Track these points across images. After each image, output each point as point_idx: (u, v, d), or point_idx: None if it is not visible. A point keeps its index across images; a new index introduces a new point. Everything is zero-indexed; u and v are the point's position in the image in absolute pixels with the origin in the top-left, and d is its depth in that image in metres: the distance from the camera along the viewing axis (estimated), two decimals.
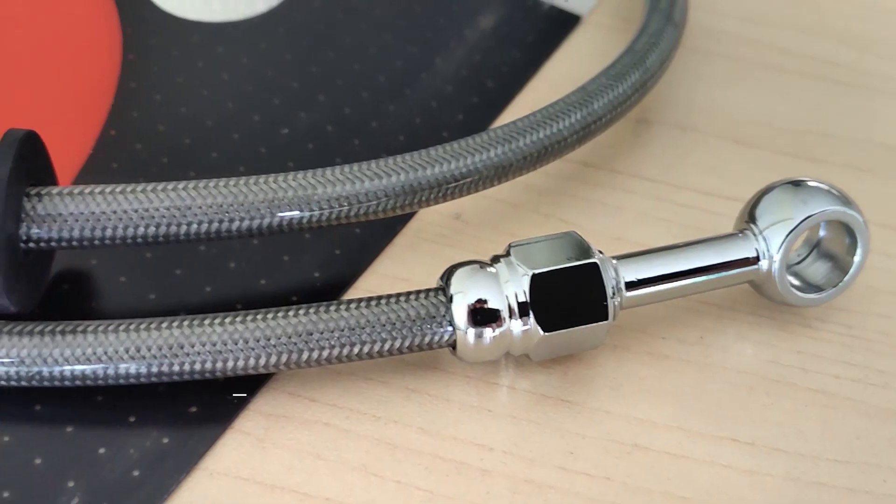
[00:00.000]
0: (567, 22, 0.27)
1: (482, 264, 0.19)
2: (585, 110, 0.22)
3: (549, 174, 0.23)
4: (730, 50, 0.27)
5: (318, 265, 0.21)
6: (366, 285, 0.21)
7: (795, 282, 0.21)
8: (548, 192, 0.23)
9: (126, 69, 0.25)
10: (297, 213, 0.19)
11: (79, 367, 0.18)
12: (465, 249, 0.22)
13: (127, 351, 0.18)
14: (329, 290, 0.21)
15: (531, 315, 0.18)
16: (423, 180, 0.20)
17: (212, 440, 0.18)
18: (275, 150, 0.23)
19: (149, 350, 0.18)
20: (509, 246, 0.19)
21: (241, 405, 0.19)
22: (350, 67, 0.25)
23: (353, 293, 0.21)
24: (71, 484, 0.18)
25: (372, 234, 0.22)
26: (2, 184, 0.17)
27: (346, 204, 0.19)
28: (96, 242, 0.18)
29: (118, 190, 0.18)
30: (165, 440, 0.18)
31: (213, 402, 0.19)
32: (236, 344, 0.18)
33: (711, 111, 0.26)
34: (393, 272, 0.21)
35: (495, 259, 0.19)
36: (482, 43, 0.26)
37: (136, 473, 0.18)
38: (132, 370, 0.18)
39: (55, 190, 0.18)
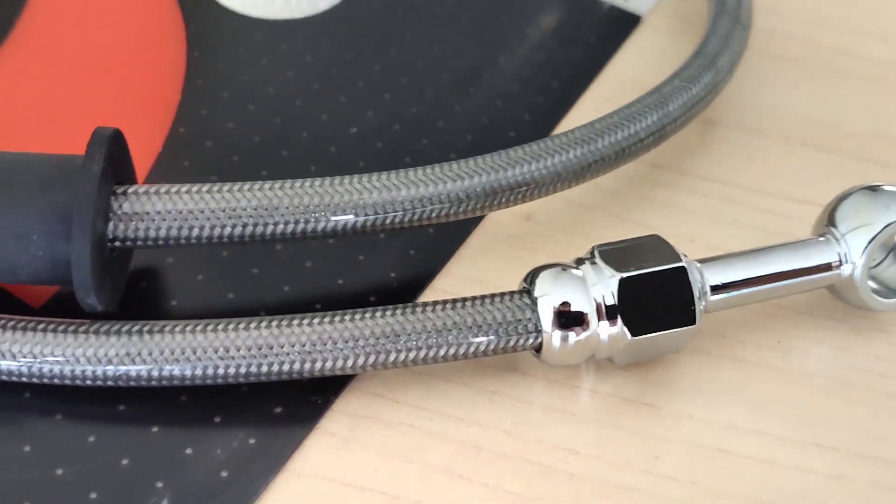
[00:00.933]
0: (627, 22, 0.27)
1: (565, 266, 0.19)
2: (661, 112, 0.22)
3: (617, 175, 0.23)
4: (792, 52, 0.27)
5: (394, 266, 0.21)
6: (441, 286, 0.21)
7: (873, 285, 0.21)
8: (617, 193, 0.23)
9: (191, 66, 0.25)
10: (380, 214, 0.19)
11: (167, 368, 0.18)
12: (538, 251, 0.22)
13: (216, 351, 0.18)
14: (406, 291, 0.21)
15: (619, 319, 0.18)
16: (503, 182, 0.20)
17: (298, 441, 0.18)
18: (345, 149, 0.23)
19: (238, 350, 0.18)
20: (594, 248, 0.19)
21: (324, 406, 0.19)
22: (413, 66, 0.25)
23: (429, 294, 0.21)
24: (160, 485, 0.17)
25: (445, 235, 0.22)
26: (93, 182, 0.17)
27: (428, 205, 0.19)
28: (182, 242, 0.18)
29: (204, 189, 0.18)
30: (252, 441, 0.18)
31: (296, 402, 0.19)
32: (325, 345, 0.18)
33: (776, 113, 0.25)
34: (467, 273, 0.21)
35: (579, 261, 0.19)
36: (544, 42, 0.26)
37: (224, 474, 0.18)
38: (220, 371, 0.18)
39: (141, 189, 0.18)
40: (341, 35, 0.26)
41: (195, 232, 0.18)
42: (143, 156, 0.22)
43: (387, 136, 0.24)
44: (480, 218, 0.22)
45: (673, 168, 0.24)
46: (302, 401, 0.19)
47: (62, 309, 0.20)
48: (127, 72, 0.24)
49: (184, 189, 0.18)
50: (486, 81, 0.25)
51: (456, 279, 0.21)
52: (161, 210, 0.18)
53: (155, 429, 0.18)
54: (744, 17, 0.25)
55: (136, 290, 0.20)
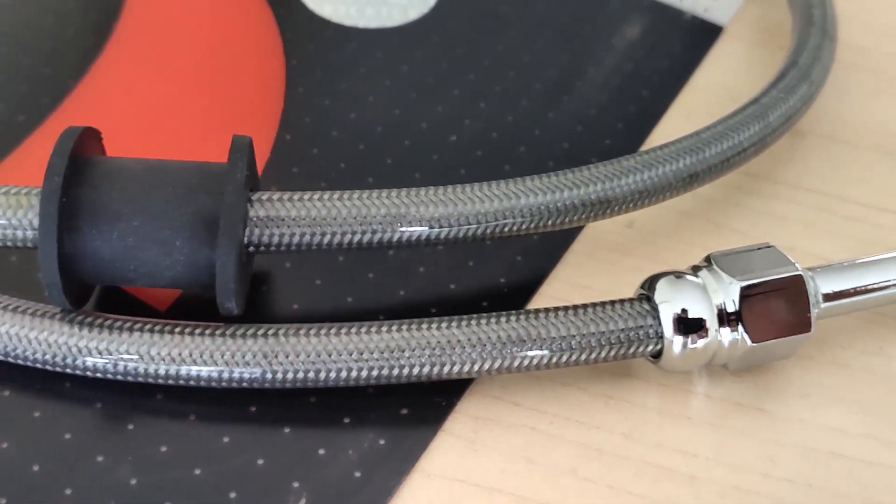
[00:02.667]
0: (709, 32, 0.28)
1: (680, 273, 0.20)
2: (762, 122, 0.22)
3: (713, 183, 0.24)
4: (872, 64, 0.27)
5: (503, 271, 0.22)
6: (550, 291, 0.21)
7: None
8: (713, 200, 0.24)
9: (291, 74, 0.25)
10: (500, 222, 0.19)
11: (303, 370, 0.18)
12: (642, 258, 0.22)
13: (350, 354, 0.18)
14: (516, 296, 0.21)
15: (740, 325, 0.19)
16: (616, 190, 0.20)
17: (425, 442, 0.19)
18: (446, 157, 0.24)
19: (371, 353, 0.18)
20: (709, 256, 0.20)
21: (448, 408, 0.19)
22: (506, 75, 0.26)
23: (538, 300, 0.21)
24: (296, 485, 0.18)
25: (549, 241, 0.22)
26: (238, 190, 0.17)
27: (545, 213, 0.20)
28: (313, 248, 0.19)
29: (335, 196, 0.19)
30: (381, 441, 0.19)
31: (421, 404, 0.19)
32: (454, 349, 0.18)
33: (861, 123, 0.26)
34: (574, 279, 0.22)
35: (696, 269, 0.20)
36: (631, 52, 0.27)
37: (357, 474, 0.18)
38: (353, 374, 0.18)
39: (275, 195, 0.19)
40: (433, 44, 0.26)
41: (327, 238, 0.19)
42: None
43: (485, 143, 0.24)
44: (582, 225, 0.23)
45: (766, 177, 0.24)
46: (426, 403, 0.19)
47: (185, 312, 0.20)
48: (228, 78, 0.25)
49: (316, 196, 0.19)
50: (578, 90, 0.26)
51: (564, 285, 0.22)
52: (295, 216, 0.19)
53: (287, 430, 0.19)
54: (831, 30, 0.25)
55: (257, 293, 0.20)
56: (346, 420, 0.19)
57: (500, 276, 0.21)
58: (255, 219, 0.18)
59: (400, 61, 0.26)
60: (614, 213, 0.21)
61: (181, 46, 0.25)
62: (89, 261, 0.18)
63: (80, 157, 0.18)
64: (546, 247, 0.22)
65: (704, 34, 0.28)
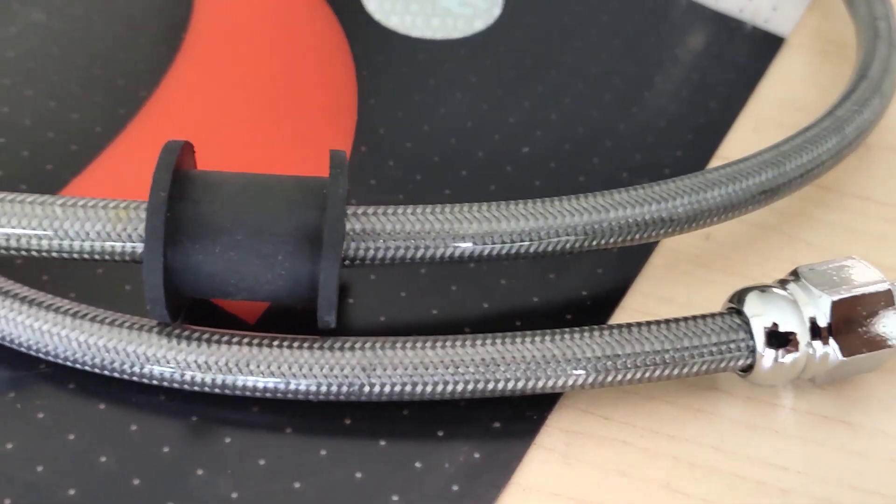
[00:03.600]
0: (772, 43, 0.28)
1: (765, 287, 0.20)
2: (839, 135, 0.22)
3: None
4: None
5: (584, 284, 0.22)
6: (632, 304, 0.21)
7: None
8: (786, 212, 0.24)
9: (362, 86, 0.25)
10: (590, 235, 0.20)
11: (400, 382, 0.18)
12: (720, 270, 0.22)
13: (447, 367, 0.18)
14: (599, 309, 0.21)
15: (831, 339, 0.19)
16: (702, 203, 0.20)
17: (519, 455, 0.19)
18: (520, 169, 0.24)
19: (467, 367, 0.18)
20: (796, 270, 0.20)
21: (539, 422, 0.19)
22: (574, 85, 0.26)
23: (621, 312, 0.21)
24: (395, 498, 0.18)
25: (629, 253, 0.22)
26: (341, 205, 0.18)
27: (633, 227, 0.20)
28: (406, 261, 0.19)
29: (428, 210, 0.19)
30: (476, 455, 0.19)
31: (513, 417, 0.19)
32: (549, 364, 0.18)
33: None
34: (655, 292, 0.22)
35: (783, 282, 0.20)
36: (696, 63, 0.27)
37: (455, 488, 0.18)
38: (450, 387, 0.18)
39: (370, 209, 0.19)
40: (500, 55, 0.26)
41: (420, 253, 0.19)
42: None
43: (558, 155, 0.24)
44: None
45: (836, 189, 0.24)
46: (518, 416, 0.19)
47: (273, 324, 0.20)
48: (299, 89, 0.25)
49: (409, 210, 0.19)
50: (647, 101, 0.26)
51: (645, 298, 0.22)
52: (390, 230, 0.19)
53: (382, 442, 0.19)
54: None
55: (344, 306, 0.21)
56: (440, 433, 0.19)
57: (581, 289, 0.22)
58: (351, 232, 0.18)
59: (469, 72, 0.26)
60: (699, 226, 0.21)
61: (250, 58, 0.26)
62: (190, 275, 0.18)
63: (180, 171, 0.18)
64: (625, 259, 0.22)
65: (767, 45, 0.28)
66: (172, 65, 0.25)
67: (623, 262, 0.22)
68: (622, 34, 0.27)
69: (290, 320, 0.20)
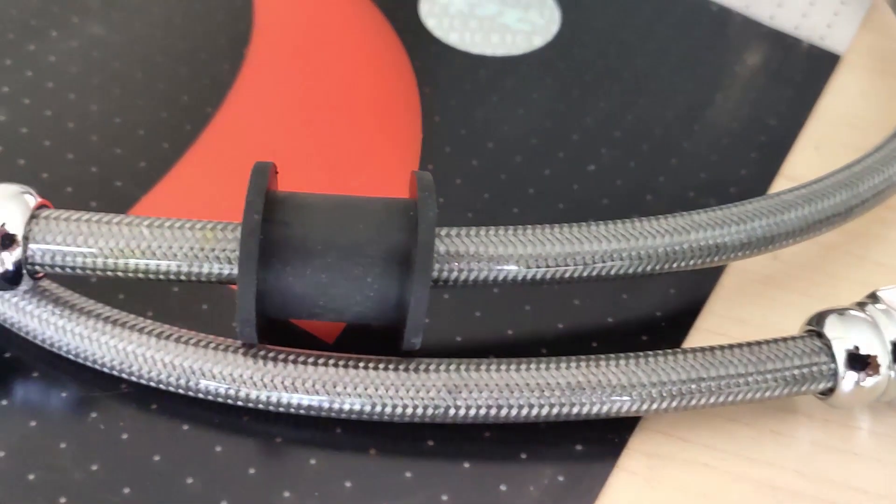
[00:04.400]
0: (828, 61, 0.28)
1: (843, 310, 0.20)
2: None
3: None
4: None
5: (658, 305, 0.22)
6: (706, 326, 0.21)
7: None
8: (855, 232, 0.24)
9: (425, 103, 0.25)
10: (671, 257, 0.19)
11: (486, 405, 0.18)
12: (791, 291, 0.22)
13: (532, 391, 0.18)
14: (673, 330, 0.21)
15: None
16: (779, 225, 0.20)
17: (603, 478, 0.19)
18: (587, 187, 0.24)
19: (552, 391, 0.18)
20: (875, 292, 0.20)
21: (621, 444, 0.19)
22: (636, 102, 0.26)
23: (696, 334, 0.21)
24: None
25: (700, 273, 0.22)
26: (431, 228, 0.17)
27: (714, 250, 0.20)
28: (489, 283, 0.19)
29: (511, 232, 0.19)
30: (560, 478, 0.19)
31: (595, 440, 0.19)
32: (633, 388, 0.18)
33: None
34: (728, 313, 0.22)
35: (861, 305, 0.20)
36: (755, 80, 0.27)
37: None
38: (535, 411, 0.18)
39: (454, 230, 0.19)
40: (561, 72, 0.26)
41: (502, 274, 0.19)
42: (399, 193, 0.23)
43: (623, 173, 0.24)
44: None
45: None
46: (599, 439, 0.19)
47: (350, 343, 0.20)
48: (363, 106, 0.25)
49: (492, 232, 0.19)
50: (708, 119, 0.26)
51: (719, 319, 0.22)
52: (474, 252, 0.19)
53: (466, 465, 0.19)
54: None
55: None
56: (523, 455, 0.19)
57: (655, 310, 0.22)
58: (436, 255, 0.18)
59: (531, 89, 0.26)
60: (775, 247, 0.21)
61: (312, 74, 0.26)
62: (280, 297, 0.18)
63: (269, 193, 0.18)
64: (696, 279, 0.22)
65: (823, 62, 0.28)
66: (236, 81, 0.25)
67: (694, 283, 0.22)
68: (679, 50, 0.27)
69: (368, 340, 0.20)
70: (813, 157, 0.25)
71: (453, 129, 0.25)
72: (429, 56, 0.26)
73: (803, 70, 0.27)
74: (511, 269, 0.19)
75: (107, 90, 0.24)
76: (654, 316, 0.21)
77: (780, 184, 0.25)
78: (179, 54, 0.26)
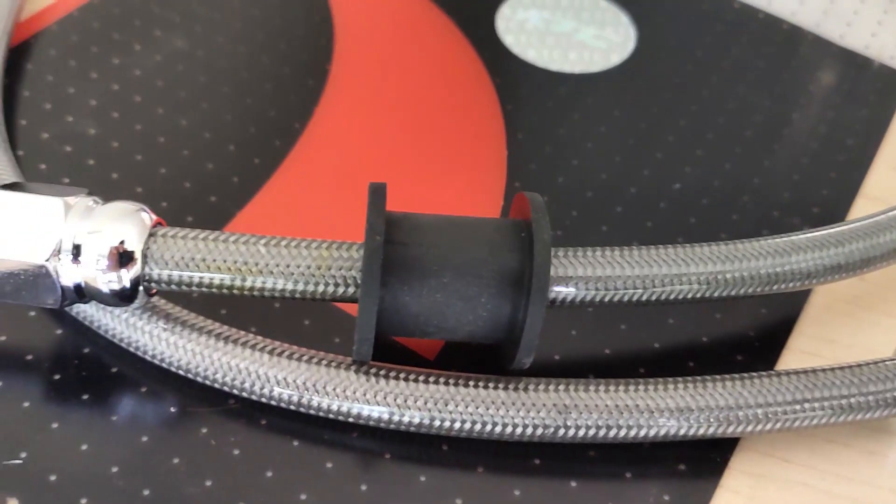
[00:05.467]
0: None
1: None
2: None
3: None
4: None
5: (750, 324, 0.22)
6: (799, 345, 0.22)
7: None
8: None
9: (508, 120, 0.25)
10: (773, 279, 0.20)
11: (595, 425, 0.18)
12: (879, 311, 0.23)
13: (641, 412, 0.18)
14: (767, 350, 0.21)
15: None
16: (878, 248, 0.21)
17: (706, 498, 0.19)
18: (673, 205, 0.24)
19: (661, 412, 0.18)
20: None
21: (723, 464, 0.19)
22: (715, 121, 0.26)
23: (789, 354, 0.22)
24: None
25: (790, 294, 0.22)
26: (547, 249, 0.18)
27: (814, 273, 0.20)
28: (595, 304, 0.19)
29: (617, 253, 0.19)
30: (666, 497, 0.19)
31: (697, 459, 0.19)
32: (741, 409, 0.19)
33: None
34: (819, 333, 0.22)
35: None
36: (829, 99, 0.27)
37: None
38: (643, 431, 0.18)
39: (560, 251, 0.19)
40: (639, 89, 0.27)
41: (609, 296, 0.19)
42: (489, 211, 0.23)
43: (708, 192, 0.24)
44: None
45: None
46: (702, 458, 0.19)
47: (451, 361, 0.20)
48: (447, 122, 0.25)
49: (598, 253, 0.19)
50: (787, 138, 0.26)
51: (811, 339, 0.22)
52: (582, 274, 0.19)
53: (573, 483, 0.19)
54: None
55: None
56: (628, 475, 0.19)
57: (748, 329, 0.22)
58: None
59: (611, 106, 0.26)
60: (869, 270, 0.21)
61: (395, 90, 0.26)
62: (396, 316, 0.18)
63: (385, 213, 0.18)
64: (785, 300, 0.22)
65: (894, 82, 0.28)
66: (322, 97, 0.25)
67: (784, 302, 0.22)
68: (754, 68, 0.28)
69: (468, 357, 0.20)
70: (891, 177, 0.26)
71: (537, 146, 0.25)
72: (508, 73, 0.27)
73: (876, 89, 0.28)
74: (616, 291, 0.19)
75: (194, 104, 0.25)
76: (748, 335, 0.22)
77: (860, 204, 0.25)
78: (264, 69, 0.26)
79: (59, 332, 0.20)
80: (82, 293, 0.18)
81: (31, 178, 0.22)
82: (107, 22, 0.27)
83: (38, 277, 0.18)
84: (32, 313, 0.20)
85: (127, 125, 0.24)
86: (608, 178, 0.24)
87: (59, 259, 0.18)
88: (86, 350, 0.20)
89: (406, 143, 0.24)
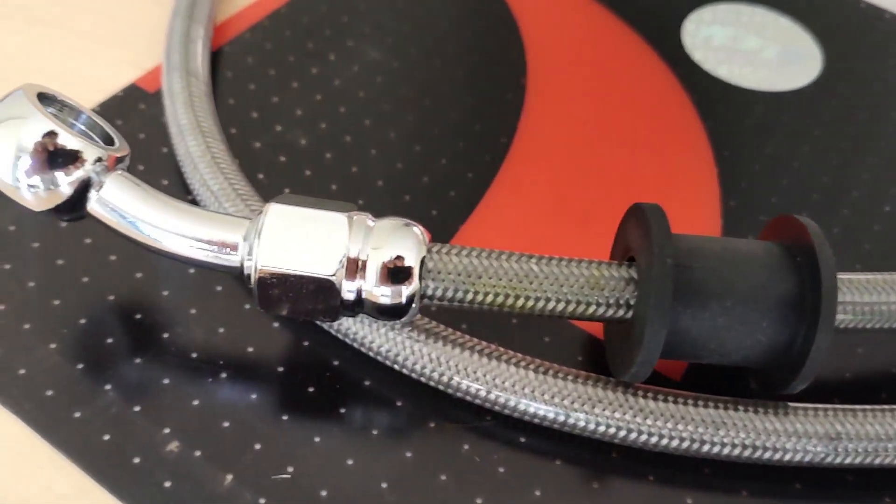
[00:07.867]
0: None
1: None
2: None
3: None
4: None
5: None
6: None
7: None
8: None
9: (712, 137, 0.25)
10: None
11: (865, 451, 0.18)
12: None
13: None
14: None
15: None
16: None
17: None
18: (889, 227, 0.24)
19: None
20: None
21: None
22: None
23: None
24: None
25: None
26: (833, 274, 0.18)
27: None
28: (868, 329, 0.19)
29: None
30: None
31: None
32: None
33: None
34: None
35: None
36: None
37: None
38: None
39: (844, 275, 0.19)
40: (833, 109, 0.26)
41: (880, 323, 0.19)
42: (708, 228, 0.23)
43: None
44: None
45: None
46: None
47: (696, 382, 0.20)
48: (651, 138, 0.25)
49: (871, 278, 0.19)
50: None
51: None
52: (859, 301, 0.19)
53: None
54: None
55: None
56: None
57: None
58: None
59: (810, 126, 0.26)
60: None
61: (592, 101, 0.26)
62: (675, 338, 0.18)
63: None
64: None
65: None
66: (523, 111, 0.25)
67: None
68: None
69: (712, 378, 0.20)
70: None
71: (746, 164, 0.25)
72: (703, 90, 0.26)
73: None
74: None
75: (400, 117, 0.25)
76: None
77: None
78: (461, 82, 0.26)
79: (305, 343, 0.20)
80: (357, 307, 0.18)
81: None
82: (297, 31, 0.27)
83: (322, 290, 0.18)
84: (276, 324, 0.20)
85: (336, 136, 0.24)
86: (819, 198, 0.24)
87: (344, 272, 0.17)
88: (335, 363, 0.20)
89: (613, 157, 0.24)
